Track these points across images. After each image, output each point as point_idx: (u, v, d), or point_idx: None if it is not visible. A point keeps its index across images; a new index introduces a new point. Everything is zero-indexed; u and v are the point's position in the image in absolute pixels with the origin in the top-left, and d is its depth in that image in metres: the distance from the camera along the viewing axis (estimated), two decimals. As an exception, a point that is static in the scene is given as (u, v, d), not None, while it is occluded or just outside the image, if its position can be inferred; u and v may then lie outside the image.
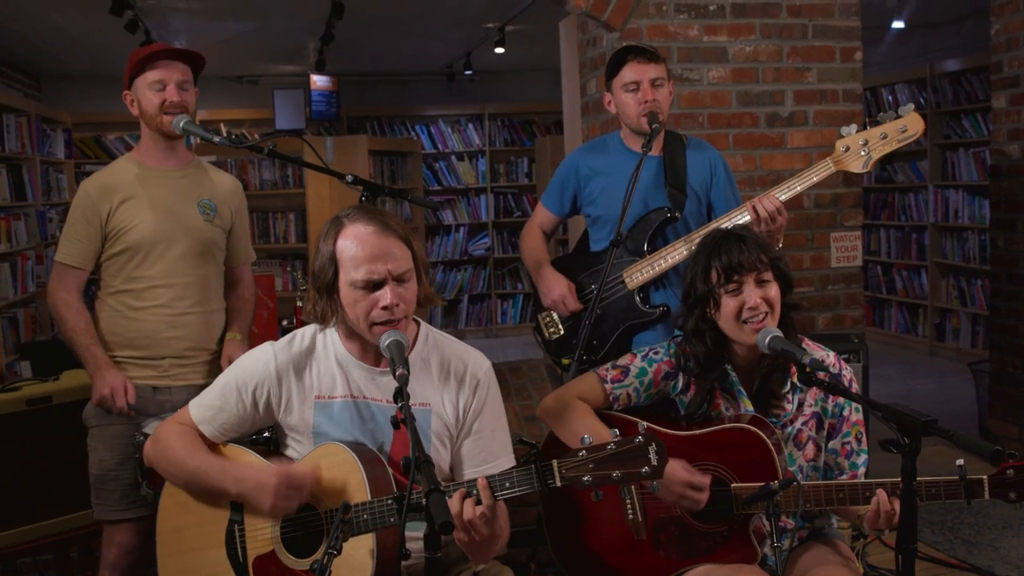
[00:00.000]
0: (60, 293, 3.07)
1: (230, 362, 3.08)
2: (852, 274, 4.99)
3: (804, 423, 2.59)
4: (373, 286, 2.25)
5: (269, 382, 2.38)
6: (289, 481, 2.25)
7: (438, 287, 10.76)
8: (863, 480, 2.41)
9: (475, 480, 2.11)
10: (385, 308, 2.24)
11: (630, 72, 3.32)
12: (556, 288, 3.44)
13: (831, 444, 2.62)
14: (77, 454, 3.16)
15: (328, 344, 2.41)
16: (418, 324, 2.45)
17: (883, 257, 9.66)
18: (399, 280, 2.27)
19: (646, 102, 3.30)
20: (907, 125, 3.14)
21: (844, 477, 2.60)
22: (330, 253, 2.28)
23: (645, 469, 2.01)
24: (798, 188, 3.23)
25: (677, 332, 2.68)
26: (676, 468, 2.40)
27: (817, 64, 4.83)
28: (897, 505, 2.26)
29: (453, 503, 2.06)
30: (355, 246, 2.25)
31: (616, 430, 2.06)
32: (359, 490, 2.21)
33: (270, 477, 2.25)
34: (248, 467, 2.33)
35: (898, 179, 9.42)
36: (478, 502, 2.08)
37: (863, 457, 2.61)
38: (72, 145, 9.04)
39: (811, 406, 2.60)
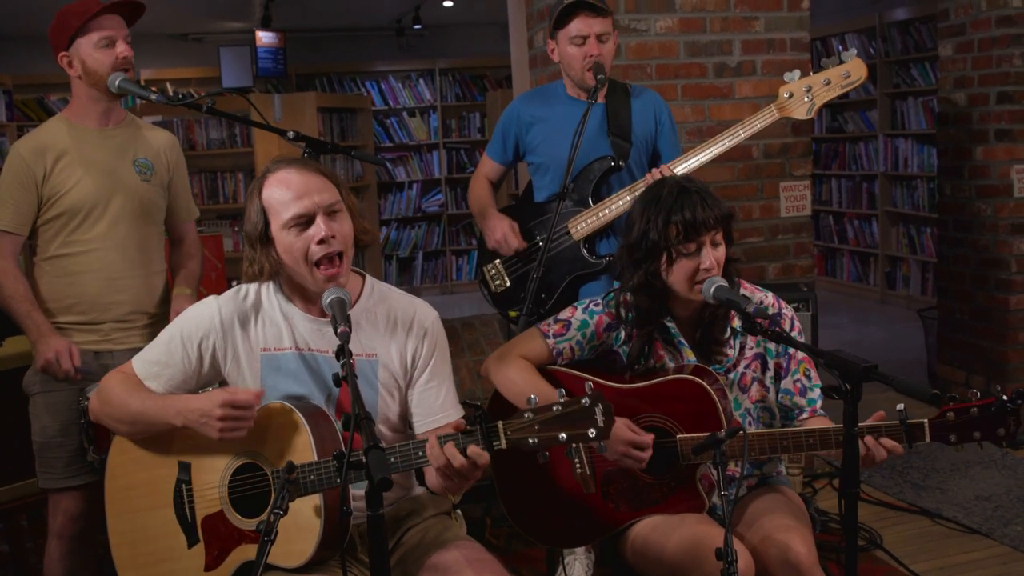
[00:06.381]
0: None
1: None
2: (802, 223, 5.00)
3: (747, 366, 2.60)
4: (305, 222, 2.25)
5: (215, 334, 2.36)
6: (234, 409, 2.20)
7: (392, 245, 10.70)
8: (806, 428, 2.43)
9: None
10: (321, 242, 2.24)
11: (578, 25, 3.28)
12: (498, 228, 3.41)
13: (783, 384, 2.62)
14: (21, 421, 3.10)
15: (272, 297, 2.39)
16: (363, 277, 2.44)
17: (834, 207, 9.74)
18: (329, 213, 2.28)
19: (590, 56, 3.28)
20: (850, 71, 3.16)
21: (804, 416, 2.60)
22: (258, 206, 2.30)
23: (591, 431, 1.98)
24: (742, 135, 3.24)
25: (617, 283, 2.67)
26: (620, 427, 2.40)
27: (764, 13, 4.81)
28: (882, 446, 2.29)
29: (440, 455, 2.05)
30: (280, 190, 2.27)
31: (563, 389, 2.03)
32: (306, 450, 2.19)
33: (214, 407, 2.20)
34: (191, 398, 2.29)
35: (848, 129, 9.48)
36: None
37: (816, 392, 2.62)
38: (13, 107, 8.85)
39: (752, 348, 2.61)
